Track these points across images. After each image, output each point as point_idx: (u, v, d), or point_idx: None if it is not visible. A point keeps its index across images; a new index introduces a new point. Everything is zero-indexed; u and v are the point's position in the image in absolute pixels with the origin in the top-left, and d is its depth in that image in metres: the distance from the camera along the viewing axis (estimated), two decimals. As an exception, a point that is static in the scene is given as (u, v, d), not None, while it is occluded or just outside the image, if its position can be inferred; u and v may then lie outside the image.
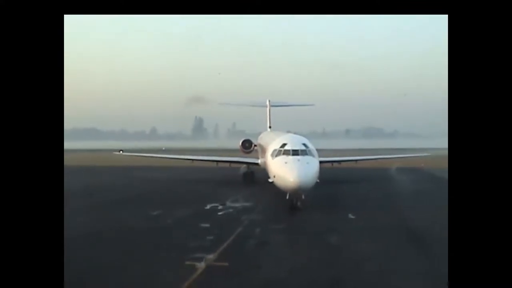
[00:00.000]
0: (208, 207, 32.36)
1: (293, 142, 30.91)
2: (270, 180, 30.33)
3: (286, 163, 28.56)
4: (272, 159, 30.31)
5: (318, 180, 29.35)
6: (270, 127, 57.70)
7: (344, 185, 46.70)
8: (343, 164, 54.20)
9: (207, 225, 25.80)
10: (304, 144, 30.47)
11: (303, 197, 29.31)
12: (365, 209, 31.65)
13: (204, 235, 23.16)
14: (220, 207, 32.39)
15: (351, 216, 28.76)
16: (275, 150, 30.61)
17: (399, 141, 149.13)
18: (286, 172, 27.92)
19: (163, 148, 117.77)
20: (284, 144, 30.40)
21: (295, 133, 39.19)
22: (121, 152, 73.67)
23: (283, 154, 29.58)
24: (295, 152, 29.37)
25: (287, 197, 29.31)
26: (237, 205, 33.39)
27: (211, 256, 18.99)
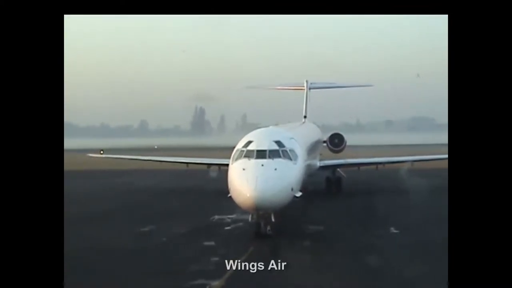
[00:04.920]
0: (213, 219, 26.63)
1: (262, 139, 22.49)
2: (229, 195, 21.93)
3: (244, 169, 20.76)
4: (231, 164, 22.12)
5: (298, 194, 22.07)
6: (305, 116, 43.47)
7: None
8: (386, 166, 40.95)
9: (212, 243, 21.17)
10: (278, 142, 22.11)
11: (272, 219, 21.20)
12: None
13: (208, 255, 18.85)
14: (228, 219, 26.29)
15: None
16: (237, 151, 22.34)
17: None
18: (242, 183, 20.31)
19: (155, 147, 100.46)
20: (249, 142, 22.14)
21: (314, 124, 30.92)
22: (101, 153, 60.05)
23: (244, 156, 21.48)
24: (260, 154, 21.20)
25: (250, 219, 21.83)
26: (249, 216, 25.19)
27: (216, 283, 15.50)
